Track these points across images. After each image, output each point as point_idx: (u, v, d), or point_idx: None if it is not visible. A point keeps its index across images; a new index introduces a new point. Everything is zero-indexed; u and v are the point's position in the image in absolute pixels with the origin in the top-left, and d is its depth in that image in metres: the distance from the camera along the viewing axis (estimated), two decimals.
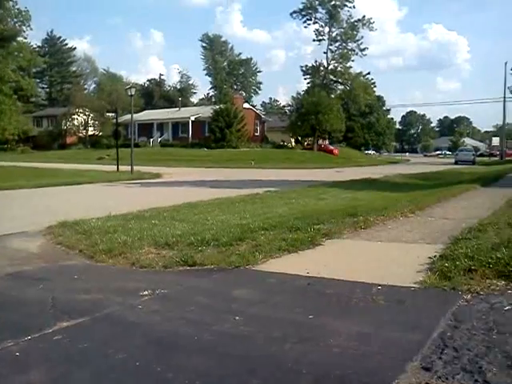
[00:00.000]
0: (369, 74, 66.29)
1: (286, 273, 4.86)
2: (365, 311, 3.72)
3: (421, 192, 12.86)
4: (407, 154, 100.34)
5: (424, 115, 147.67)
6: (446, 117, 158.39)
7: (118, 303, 4.03)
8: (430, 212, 8.90)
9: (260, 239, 6.10)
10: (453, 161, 51.84)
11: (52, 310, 3.87)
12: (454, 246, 5.27)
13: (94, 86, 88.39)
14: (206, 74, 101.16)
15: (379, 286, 4.26)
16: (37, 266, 5.62)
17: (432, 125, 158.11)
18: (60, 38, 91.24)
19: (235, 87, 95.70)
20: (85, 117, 64.11)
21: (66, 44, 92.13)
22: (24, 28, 45.57)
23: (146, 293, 4.27)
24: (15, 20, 44.59)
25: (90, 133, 64.79)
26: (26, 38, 46.88)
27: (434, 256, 5.04)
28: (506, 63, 54.37)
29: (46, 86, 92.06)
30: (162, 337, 3.32)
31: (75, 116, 64.15)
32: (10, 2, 42.07)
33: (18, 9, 44.29)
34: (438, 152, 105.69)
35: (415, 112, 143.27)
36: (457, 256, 4.75)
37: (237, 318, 3.59)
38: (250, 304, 3.98)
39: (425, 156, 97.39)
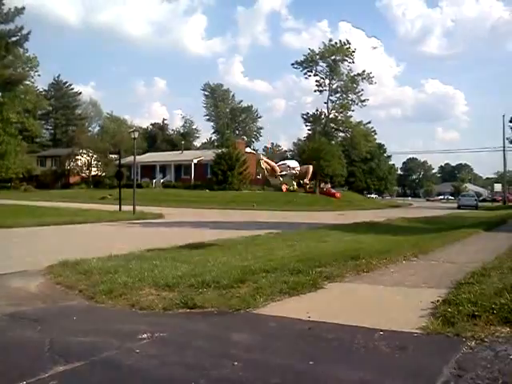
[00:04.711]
0: (369, 122, 67.17)
1: (287, 316, 4.79)
2: (366, 357, 3.64)
3: (424, 236, 12.82)
4: (409, 198, 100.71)
5: (425, 161, 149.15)
6: (447, 164, 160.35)
7: (115, 347, 3.95)
8: (433, 256, 8.85)
9: (261, 282, 6.04)
10: (455, 205, 51.94)
11: (49, 353, 3.79)
12: (457, 291, 5.20)
13: (98, 128, 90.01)
14: (208, 120, 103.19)
15: (381, 331, 4.19)
16: (35, 306, 5.56)
17: (434, 171, 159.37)
18: (66, 82, 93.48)
19: (237, 132, 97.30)
20: (88, 157, 65.05)
21: (72, 88, 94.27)
22: (32, 73, 46.90)
23: (144, 336, 4.19)
24: (24, 66, 45.91)
25: (93, 173, 65.54)
26: (33, 83, 48.12)
27: (437, 301, 4.97)
28: (503, 116, 57.88)
29: (50, 128, 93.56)
30: (158, 382, 3.24)
31: (79, 157, 65.10)
32: (21, 50, 43.35)
33: (27, 56, 45.70)
34: (440, 197, 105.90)
35: (416, 159, 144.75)
36: (460, 301, 4.68)
37: (235, 363, 3.51)
38: (249, 349, 3.90)
39: (427, 200, 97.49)
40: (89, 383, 3.22)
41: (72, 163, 66.10)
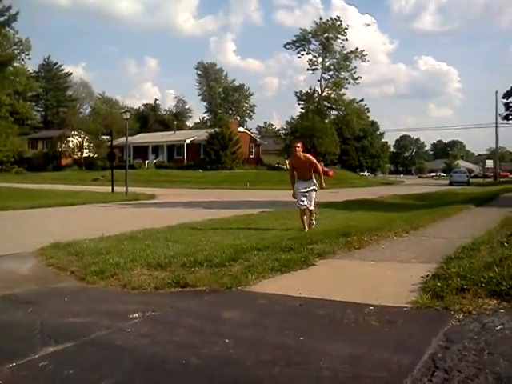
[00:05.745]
0: (362, 100, 67.02)
1: (278, 294, 4.81)
2: (356, 332, 3.67)
3: (415, 212, 12.88)
4: (402, 175, 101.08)
5: (418, 139, 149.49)
6: (439, 141, 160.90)
7: (106, 327, 3.95)
8: (424, 232, 8.91)
9: (253, 260, 6.06)
10: (447, 182, 52.23)
11: (39, 334, 3.78)
12: (447, 266, 5.25)
13: (89, 109, 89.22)
14: (201, 100, 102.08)
15: (371, 306, 4.22)
16: (27, 288, 5.55)
17: (426, 148, 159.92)
18: (56, 63, 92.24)
19: (230, 112, 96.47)
20: (80, 139, 64.51)
21: (63, 69, 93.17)
22: (23, 56, 46.19)
23: (135, 315, 4.20)
24: (14, 47, 45.18)
25: (84, 155, 65.12)
26: (23, 65, 47.43)
27: (427, 275, 5.00)
28: (496, 92, 58.09)
29: (41, 110, 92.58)
30: (149, 361, 3.25)
31: (70, 138, 64.56)
32: (11, 31, 42.61)
33: (17, 38, 44.93)
34: (432, 174, 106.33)
35: (409, 136, 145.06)
36: (449, 275, 4.72)
37: (226, 340, 3.53)
38: (240, 326, 3.92)
39: (419, 177, 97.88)
40: (79, 363, 3.21)
41: (64, 145, 65.55)
